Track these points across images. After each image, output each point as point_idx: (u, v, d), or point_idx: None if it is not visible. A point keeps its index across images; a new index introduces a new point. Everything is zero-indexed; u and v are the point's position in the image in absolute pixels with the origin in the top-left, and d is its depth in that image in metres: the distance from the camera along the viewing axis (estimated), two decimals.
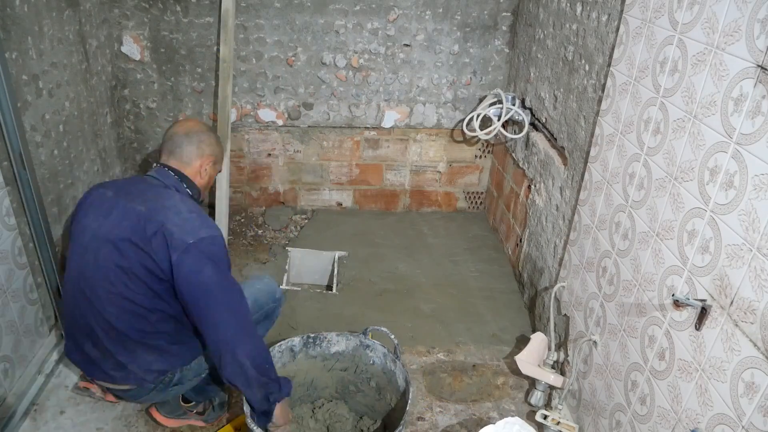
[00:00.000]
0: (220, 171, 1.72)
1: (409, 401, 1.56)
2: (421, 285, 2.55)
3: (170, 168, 1.57)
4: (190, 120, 1.68)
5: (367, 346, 1.77)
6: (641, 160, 1.48)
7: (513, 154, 2.66)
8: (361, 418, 1.81)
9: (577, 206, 1.87)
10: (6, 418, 1.73)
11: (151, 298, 1.43)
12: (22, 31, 1.86)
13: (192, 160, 1.59)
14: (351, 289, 2.52)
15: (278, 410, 1.48)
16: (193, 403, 1.77)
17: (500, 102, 2.56)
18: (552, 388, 1.92)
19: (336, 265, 2.65)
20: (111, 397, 1.78)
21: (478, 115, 2.58)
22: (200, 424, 1.77)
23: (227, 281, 1.41)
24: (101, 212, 1.48)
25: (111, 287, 1.43)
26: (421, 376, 2.05)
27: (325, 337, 1.78)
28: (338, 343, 1.79)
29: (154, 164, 1.62)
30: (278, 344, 1.72)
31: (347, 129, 2.91)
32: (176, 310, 1.46)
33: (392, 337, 1.74)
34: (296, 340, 1.75)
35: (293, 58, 2.70)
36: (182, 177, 1.58)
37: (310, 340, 1.77)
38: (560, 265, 2.01)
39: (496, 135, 2.62)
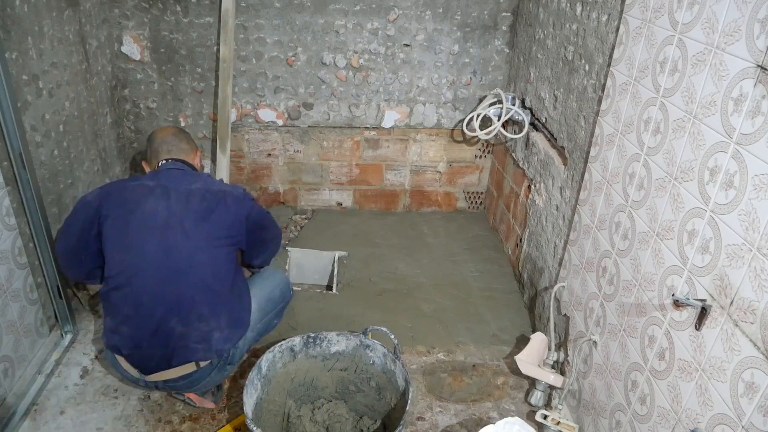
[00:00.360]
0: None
1: (409, 401, 1.56)
2: (421, 285, 2.56)
3: (179, 160, 1.82)
4: (167, 126, 1.99)
5: (367, 346, 1.77)
6: (641, 160, 1.48)
7: (513, 154, 2.66)
8: (361, 418, 1.81)
9: (577, 206, 1.87)
10: (6, 418, 1.73)
11: (230, 250, 1.72)
12: (22, 31, 1.86)
13: (189, 152, 1.88)
14: (351, 289, 2.52)
15: None
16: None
17: (500, 102, 2.56)
18: (552, 388, 1.92)
19: (336, 265, 2.65)
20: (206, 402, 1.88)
21: (478, 115, 2.58)
22: (210, 405, 1.88)
23: (260, 207, 1.86)
24: (158, 197, 1.67)
25: (204, 250, 1.65)
26: (421, 376, 2.05)
27: (326, 337, 1.78)
28: (338, 342, 1.79)
29: (162, 161, 1.81)
30: (278, 344, 1.72)
31: (347, 129, 2.91)
32: (235, 262, 1.77)
33: (392, 336, 1.74)
34: (296, 340, 1.75)
35: (293, 58, 2.70)
36: (191, 165, 1.86)
37: (311, 340, 1.77)
38: (560, 265, 2.02)
39: (496, 135, 2.62)
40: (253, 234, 1.79)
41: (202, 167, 1.89)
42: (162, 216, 1.64)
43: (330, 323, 2.26)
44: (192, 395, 1.84)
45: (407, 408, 1.54)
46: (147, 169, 1.89)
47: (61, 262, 1.82)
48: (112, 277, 1.65)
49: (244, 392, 1.55)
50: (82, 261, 1.74)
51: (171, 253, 1.62)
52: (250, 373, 1.60)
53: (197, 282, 1.63)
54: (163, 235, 1.62)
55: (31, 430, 1.76)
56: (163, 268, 1.62)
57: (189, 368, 1.66)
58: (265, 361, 1.67)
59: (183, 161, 1.81)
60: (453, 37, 2.70)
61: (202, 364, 1.67)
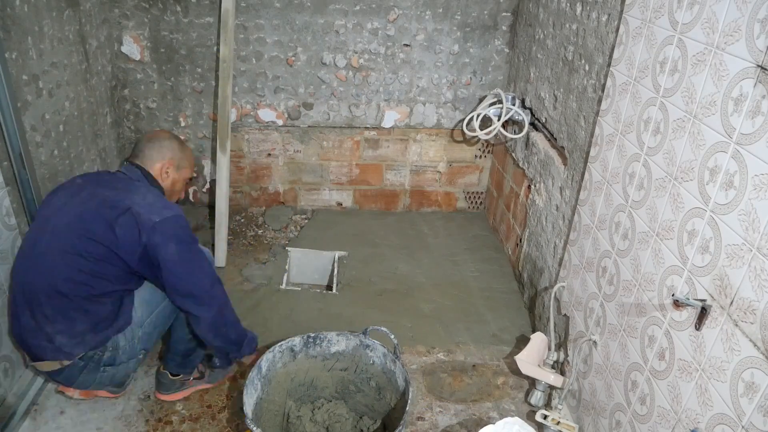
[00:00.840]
0: (188, 179, 1.83)
1: (409, 401, 1.56)
2: (421, 285, 2.56)
3: (137, 165, 1.70)
4: (160, 131, 1.87)
5: (367, 346, 1.78)
6: (641, 160, 1.48)
7: (513, 154, 2.66)
8: (361, 418, 1.81)
9: (577, 206, 1.87)
10: (6, 418, 1.73)
11: (104, 266, 1.54)
12: (22, 31, 1.86)
13: (154, 161, 1.71)
14: (351, 289, 2.52)
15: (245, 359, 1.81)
16: (181, 376, 1.87)
17: (500, 102, 2.56)
18: (552, 388, 1.92)
19: (336, 265, 2.65)
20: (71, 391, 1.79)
21: (478, 115, 2.58)
22: (207, 386, 1.89)
23: (190, 253, 1.59)
24: (69, 193, 1.61)
25: (70, 250, 1.52)
26: (421, 376, 2.05)
27: (326, 337, 1.78)
28: (338, 342, 1.79)
29: (123, 163, 1.73)
30: (278, 344, 1.72)
31: (347, 129, 2.91)
32: (122, 282, 1.59)
33: (392, 336, 1.74)
34: (296, 340, 1.75)
35: (293, 58, 2.70)
36: (147, 174, 1.70)
37: (311, 340, 1.77)
38: (560, 265, 2.02)
39: (496, 135, 2.62)
40: (161, 270, 1.55)
41: (174, 180, 1.77)
42: (54, 210, 1.59)
43: (330, 323, 2.26)
44: (159, 394, 1.87)
45: (407, 408, 1.54)
46: None
47: None
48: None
49: (244, 392, 1.55)
50: None
51: (36, 249, 1.57)
52: (250, 373, 1.60)
53: (45, 283, 1.54)
54: (43, 226, 1.59)
55: (31, 430, 1.76)
56: (29, 261, 1.58)
57: (53, 365, 1.60)
58: (265, 361, 1.67)
59: (141, 168, 1.69)
60: (453, 37, 2.70)
61: (66, 363, 1.59)
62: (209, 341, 1.68)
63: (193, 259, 1.59)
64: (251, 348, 1.79)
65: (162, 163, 1.71)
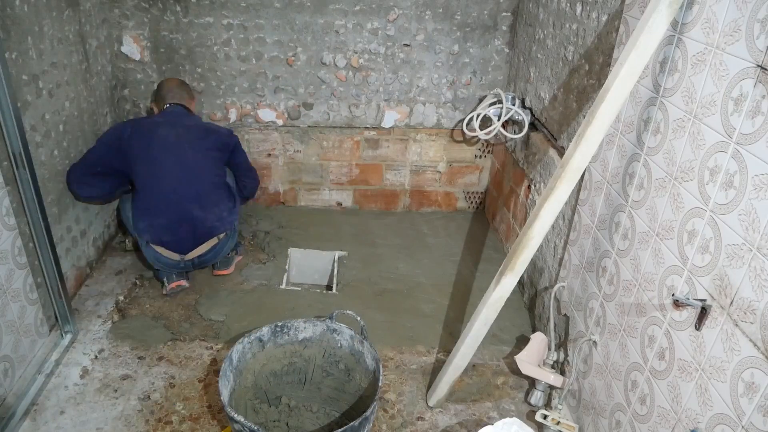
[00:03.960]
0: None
1: (381, 378, 1.61)
2: (421, 285, 2.56)
3: (179, 104, 2.40)
4: (172, 78, 2.55)
5: (334, 330, 1.80)
6: (641, 159, 1.48)
7: (513, 154, 2.66)
8: (328, 404, 1.86)
9: (577, 206, 1.87)
10: (6, 418, 1.73)
11: (221, 163, 2.39)
12: (22, 31, 1.86)
13: (188, 99, 2.46)
14: (351, 289, 2.52)
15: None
16: (234, 251, 2.56)
17: (500, 102, 2.56)
18: (552, 388, 1.92)
19: (336, 265, 2.65)
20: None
21: (478, 115, 2.58)
22: (240, 258, 2.62)
23: (248, 159, 2.57)
24: (167, 127, 2.28)
25: (206, 160, 2.30)
26: (421, 376, 2.05)
27: (293, 325, 1.81)
28: (306, 329, 1.82)
29: (167, 104, 2.38)
30: (247, 335, 1.74)
31: (347, 129, 2.91)
32: (226, 172, 2.43)
33: (358, 318, 1.75)
34: (264, 330, 1.78)
35: (293, 58, 2.70)
36: (188, 109, 2.44)
37: (278, 329, 1.80)
38: (560, 264, 2.02)
39: (496, 135, 2.62)
40: (235, 160, 2.44)
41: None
42: (173, 138, 2.25)
43: None
44: (223, 272, 2.49)
45: (379, 384, 1.59)
46: (155, 110, 2.46)
47: (76, 185, 2.22)
48: (145, 185, 2.23)
49: (219, 383, 1.57)
50: (97, 182, 2.27)
51: (185, 163, 2.24)
52: (223, 365, 1.63)
53: (206, 180, 2.28)
54: (177, 151, 2.24)
55: (31, 430, 1.76)
56: (182, 173, 2.23)
57: (213, 242, 2.31)
58: (235, 352, 1.70)
59: (182, 105, 2.40)
60: (453, 37, 2.70)
61: (221, 236, 2.33)
62: (252, 189, 2.60)
63: (248, 159, 2.57)
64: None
65: (192, 100, 2.50)
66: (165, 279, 2.35)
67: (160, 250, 2.25)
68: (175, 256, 2.27)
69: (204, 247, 2.30)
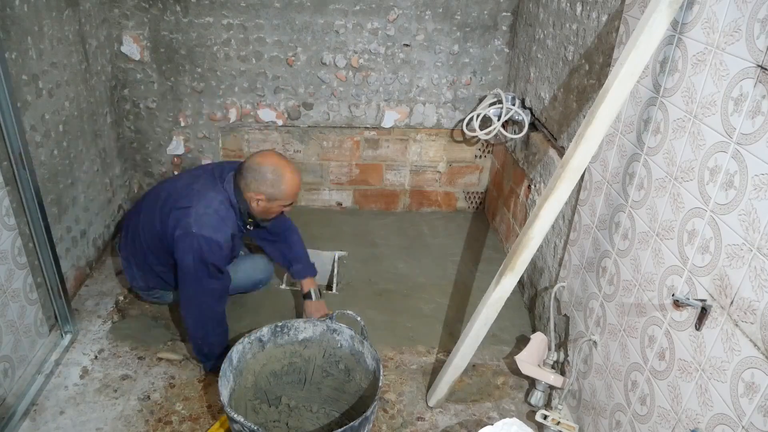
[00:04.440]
0: (285, 209, 1.95)
1: (381, 378, 1.61)
2: (421, 285, 2.55)
3: (236, 184, 1.87)
4: (270, 155, 1.89)
5: (334, 330, 1.81)
6: (641, 159, 1.48)
7: (513, 154, 2.66)
8: (328, 404, 1.85)
9: (577, 206, 1.87)
10: (6, 418, 1.73)
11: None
12: (22, 31, 1.86)
13: (249, 188, 1.85)
14: (351, 289, 2.52)
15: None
16: None
17: (500, 102, 2.56)
18: (552, 388, 1.92)
19: (336, 265, 2.65)
20: None
21: (478, 115, 2.58)
22: None
23: (199, 277, 1.82)
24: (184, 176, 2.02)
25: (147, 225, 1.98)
26: (421, 376, 2.05)
27: (293, 325, 1.81)
28: (306, 329, 1.82)
29: (230, 173, 1.91)
30: (247, 335, 1.74)
31: (347, 129, 2.91)
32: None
33: (358, 318, 1.75)
34: (264, 330, 1.78)
35: (293, 58, 2.70)
36: (239, 194, 1.87)
37: (278, 329, 1.80)
38: (560, 265, 2.01)
39: (496, 135, 2.62)
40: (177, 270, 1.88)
41: (265, 209, 1.91)
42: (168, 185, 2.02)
43: None
44: None
45: (380, 384, 1.59)
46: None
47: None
48: None
49: (219, 383, 1.57)
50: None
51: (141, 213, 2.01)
52: (223, 365, 1.63)
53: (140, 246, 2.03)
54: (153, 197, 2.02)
55: (31, 430, 1.76)
56: (139, 222, 2.03)
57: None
58: (235, 352, 1.70)
59: (238, 186, 1.87)
60: (453, 37, 2.70)
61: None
62: (189, 333, 1.96)
63: (197, 279, 1.82)
64: (209, 367, 1.98)
65: (252, 194, 1.85)
66: None
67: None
68: None
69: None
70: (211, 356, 1.95)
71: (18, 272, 1.83)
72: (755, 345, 1.06)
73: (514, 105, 2.51)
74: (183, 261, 1.79)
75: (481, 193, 3.16)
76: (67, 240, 2.24)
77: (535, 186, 2.34)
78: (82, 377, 1.96)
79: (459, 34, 2.70)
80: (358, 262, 2.69)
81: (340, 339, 1.81)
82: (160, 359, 2.05)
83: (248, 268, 2.28)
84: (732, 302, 1.13)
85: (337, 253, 2.70)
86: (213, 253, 1.79)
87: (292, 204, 1.93)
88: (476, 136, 2.69)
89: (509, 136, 2.59)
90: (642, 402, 1.45)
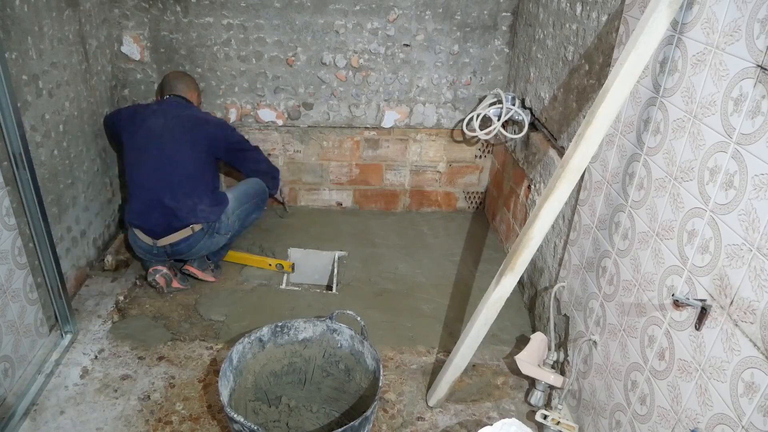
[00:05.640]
0: (200, 104, 2.70)
1: (381, 378, 1.61)
2: (421, 285, 2.56)
3: (178, 95, 2.49)
4: (177, 71, 2.64)
5: (334, 330, 1.81)
6: (641, 159, 1.48)
7: (513, 154, 2.66)
8: (328, 403, 1.85)
9: (577, 206, 1.87)
10: (6, 418, 1.73)
11: (208, 157, 2.38)
12: (22, 31, 1.86)
13: (188, 91, 2.53)
14: (351, 289, 2.52)
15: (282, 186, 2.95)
16: (210, 261, 2.50)
17: (500, 102, 2.56)
18: (552, 388, 1.92)
19: (336, 265, 2.65)
20: (176, 283, 2.41)
21: (478, 115, 2.58)
22: (212, 279, 2.50)
23: (244, 140, 2.59)
24: (158, 116, 2.33)
25: (188, 151, 2.31)
26: (421, 376, 2.05)
27: (293, 325, 1.81)
28: (306, 329, 1.82)
29: (166, 96, 2.47)
30: (247, 335, 1.74)
31: (347, 129, 2.91)
32: (216, 167, 2.46)
33: (358, 318, 1.75)
34: (264, 330, 1.78)
35: (293, 58, 2.70)
36: (189, 101, 2.51)
37: (278, 329, 1.80)
38: (560, 265, 2.02)
39: (496, 135, 2.62)
40: (231, 150, 2.49)
41: (200, 104, 2.67)
42: (159, 127, 2.31)
43: None
44: (194, 270, 2.43)
45: (380, 384, 1.59)
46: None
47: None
48: (128, 171, 2.35)
49: (219, 383, 1.57)
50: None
51: (163, 152, 2.27)
52: (223, 365, 1.63)
53: (182, 170, 2.29)
54: (159, 140, 2.29)
55: (31, 430, 1.76)
56: (158, 161, 2.27)
57: (186, 232, 2.29)
58: (235, 352, 1.70)
59: (181, 96, 2.48)
60: (453, 37, 2.70)
61: (196, 228, 2.29)
62: (266, 174, 2.69)
63: (244, 140, 2.59)
64: (276, 181, 2.79)
65: (194, 92, 2.56)
66: (148, 266, 2.39)
67: (136, 232, 2.31)
68: (149, 240, 2.30)
69: (176, 236, 2.29)
70: (275, 170, 2.78)
71: (18, 272, 1.83)
72: (755, 345, 1.06)
73: (514, 105, 2.51)
74: (233, 137, 2.47)
75: (481, 193, 3.16)
76: (67, 240, 2.24)
77: (535, 186, 2.34)
78: (82, 377, 1.96)
79: (459, 34, 2.70)
80: (358, 262, 2.69)
81: (340, 339, 1.81)
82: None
83: (245, 185, 2.65)
84: (732, 302, 1.13)
85: (337, 253, 2.70)
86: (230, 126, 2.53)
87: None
88: (476, 136, 2.69)
89: (509, 136, 2.59)
90: (642, 402, 1.45)
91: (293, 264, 2.61)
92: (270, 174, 2.72)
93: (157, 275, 2.34)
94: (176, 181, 2.26)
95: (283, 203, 3.03)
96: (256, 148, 2.68)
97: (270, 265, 2.58)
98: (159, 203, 2.25)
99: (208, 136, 2.36)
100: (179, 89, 2.49)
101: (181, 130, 2.31)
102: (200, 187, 2.31)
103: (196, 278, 2.46)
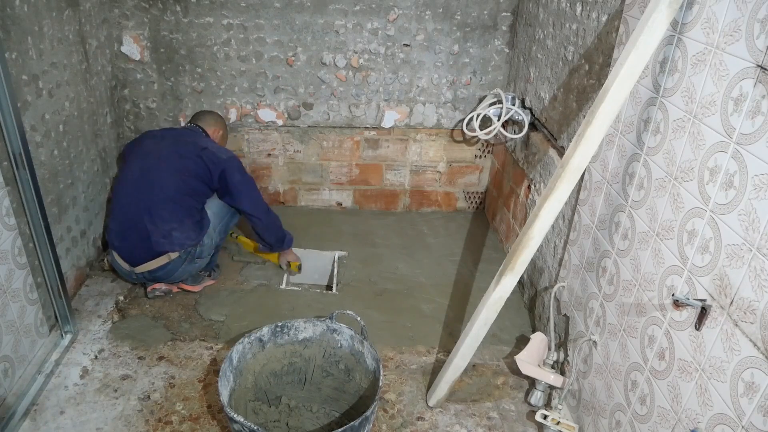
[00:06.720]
0: (224, 142, 2.57)
1: (381, 378, 1.61)
2: (421, 285, 2.56)
3: (195, 124, 2.43)
4: (210, 111, 2.57)
5: (334, 330, 1.81)
6: (641, 159, 1.48)
7: (513, 154, 2.66)
8: (328, 403, 1.85)
9: (577, 206, 1.87)
10: (6, 418, 1.73)
11: (195, 185, 2.23)
12: (22, 31, 1.86)
13: (208, 124, 2.46)
14: (351, 289, 2.52)
15: (288, 252, 2.58)
16: (206, 271, 2.46)
17: (500, 102, 2.56)
18: (552, 387, 1.92)
19: (336, 265, 2.65)
20: (183, 286, 2.40)
21: (477, 115, 2.58)
22: (211, 282, 2.48)
23: (247, 180, 2.33)
24: (157, 140, 2.30)
25: (172, 176, 2.19)
26: (420, 376, 2.05)
27: (293, 325, 1.81)
28: (306, 329, 1.82)
29: (188, 123, 2.45)
30: (247, 335, 1.74)
31: (347, 129, 2.91)
32: (205, 195, 2.30)
33: (358, 318, 1.75)
34: (264, 330, 1.78)
35: (293, 58, 2.70)
36: (205, 131, 2.43)
37: (278, 329, 1.80)
38: (560, 265, 2.02)
39: (496, 135, 2.62)
40: (226, 188, 2.29)
41: (224, 143, 2.56)
42: (150, 150, 2.26)
43: None
44: (189, 287, 2.40)
45: (380, 384, 1.59)
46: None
47: None
48: (114, 188, 2.34)
49: (219, 383, 1.57)
50: None
51: (148, 172, 2.21)
52: (223, 365, 1.63)
53: (162, 193, 2.18)
54: (145, 161, 2.23)
55: (31, 430, 1.76)
56: (140, 181, 2.20)
57: (163, 260, 2.20)
58: (235, 352, 1.70)
59: (200, 126, 2.42)
60: (453, 37, 2.70)
61: (173, 256, 2.20)
62: (263, 235, 2.41)
63: (250, 182, 2.35)
64: (289, 244, 2.51)
65: (215, 129, 2.47)
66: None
67: (115, 255, 2.25)
68: (126, 266, 2.23)
69: (152, 264, 2.19)
70: (282, 234, 2.46)
71: (18, 272, 1.83)
72: (755, 345, 1.06)
73: (514, 105, 2.51)
74: (234, 178, 2.25)
75: (481, 193, 3.16)
76: (67, 240, 2.24)
77: (535, 186, 2.34)
78: (82, 377, 1.96)
79: (459, 34, 2.70)
80: (358, 262, 2.69)
81: (340, 339, 1.81)
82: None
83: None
84: (732, 302, 1.13)
85: (337, 253, 2.70)
86: (239, 162, 2.32)
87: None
88: (476, 136, 2.69)
89: (509, 136, 2.59)
90: (642, 402, 1.45)
91: (300, 264, 2.60)
92: (275, 234, 2.45)
93: (157, 292, 2.34)
94: (154, 204, 2.16)
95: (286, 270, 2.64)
96: (268, 209, 2.39)
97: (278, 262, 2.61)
98: (135, 224, 2.17)
99: (201, 167, 2.21)
100: (201, 120, 2.45)
101: (169, 153, 2.22)
102: (181, 212, 2.19)
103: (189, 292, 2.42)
